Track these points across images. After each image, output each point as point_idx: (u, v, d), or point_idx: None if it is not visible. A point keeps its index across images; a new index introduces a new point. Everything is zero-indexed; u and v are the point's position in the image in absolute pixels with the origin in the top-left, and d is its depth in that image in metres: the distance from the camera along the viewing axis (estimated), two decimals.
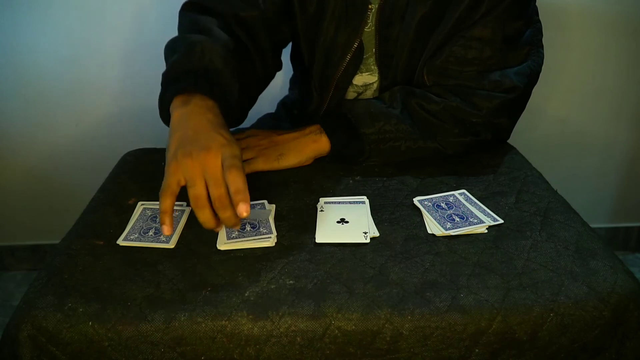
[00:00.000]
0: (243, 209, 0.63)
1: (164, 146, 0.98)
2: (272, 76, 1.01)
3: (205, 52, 0.78)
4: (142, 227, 0.74)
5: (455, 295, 0.62)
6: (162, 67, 1.41)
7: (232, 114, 0.78)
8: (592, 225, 0.76)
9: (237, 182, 0.64)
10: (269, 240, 0.71)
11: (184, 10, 0.92)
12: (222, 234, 0.73)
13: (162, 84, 0.79)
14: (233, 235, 0.72)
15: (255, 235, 0.72)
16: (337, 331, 0.60)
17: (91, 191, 0.86)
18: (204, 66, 0.77)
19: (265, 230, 0.72)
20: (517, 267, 0.66)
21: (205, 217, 0.65)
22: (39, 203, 1.55)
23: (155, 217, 0.76)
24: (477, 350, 0.60)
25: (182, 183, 0.66)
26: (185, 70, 0.76)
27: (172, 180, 0.66)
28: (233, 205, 0.64)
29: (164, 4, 1.32)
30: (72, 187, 1.51)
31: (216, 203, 0.64)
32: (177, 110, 0.73)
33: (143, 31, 1.34)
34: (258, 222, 0.74)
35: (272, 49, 0.95)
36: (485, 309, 0.61)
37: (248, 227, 0.73)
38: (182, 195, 0.82)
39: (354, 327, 0.60)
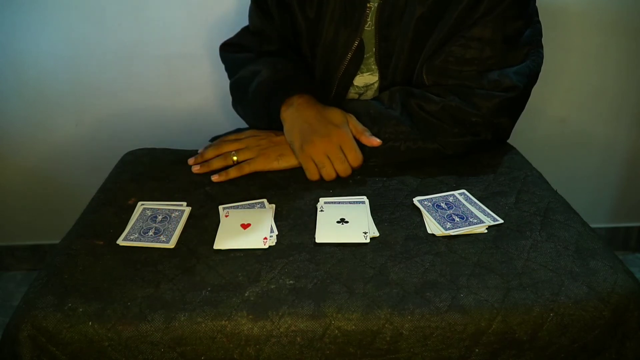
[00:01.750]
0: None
1: (163, 146, 0.99)
2: None
3: (275, 66, 0.95)
4: (142, 227, 0.74)
5: (455, 295, 0.62)
6: (162, 67, 1.42)
7: (317, 95, 0.94)
8: (592, 225, 0.76)
9: (357, 161, 0.86)
10: (269, 240, 0.71)
11: (224, 52, 1.08)
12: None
13: (260, 104, 0.94)
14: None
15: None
16: (337, 331, 0.60)
17: (91, 191, 0.86)
18: (283, 75, 0.94)
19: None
20: (517, 267, 0.66)
21: (333, 173, 0.86)
22: (39, 203, 1.55)
23: (156, 217, 0.76)
24: (477, 350, 0.60)
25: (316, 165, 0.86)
26: (273, 85, 0.93)
27: (310, 166, 0.86)
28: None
29: (163, 4, 1.32)
30: (72, 187, 1.51)
31: (341, 174, 0.86)
32: (286, 112, 0.90)
33: (143, 31, 1.34)
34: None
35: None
36: (485, 309, 0.61)
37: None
38: (182, 195, 0.83)
39: (354, 327, 0.60)
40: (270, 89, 0.93)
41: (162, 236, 0.72)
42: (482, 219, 0.75)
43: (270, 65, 0.96)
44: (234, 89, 1.03)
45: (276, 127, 0.92)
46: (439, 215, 0.75)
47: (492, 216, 0.76)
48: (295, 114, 0.89)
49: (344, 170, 0.85)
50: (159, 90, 1.41)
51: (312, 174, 0.86)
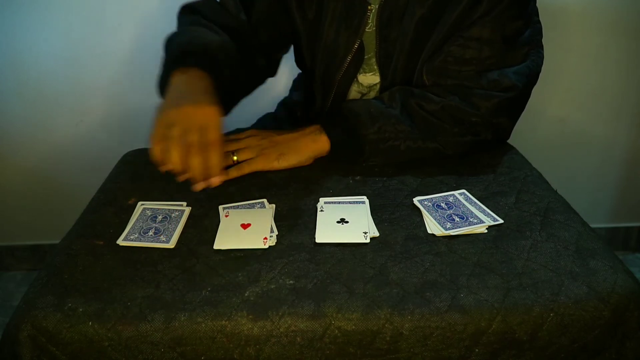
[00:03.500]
0: (216, 181, 0.71)
1: None
2: (262, 81, 1.03)
3: (205, 37, 0.86)
4: (142, 227, 0.74)
5: (455, 295, 0.62)
6: None
7: (219, 94, 0.80)
8: (592, 225, 0.76)
9: (214, 158, 0.70)
10: (269, 240, 0.71)
11: (182, 14, 0.99)
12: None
13: (165, 63, 0.85)
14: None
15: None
16: (337, 331, 0.60)
17: (91, 191, 0.86)
18: (203, 47, 0.84)
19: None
20: (517, 267, 0.66)
21: (175, 158, 0.69)
22: (39, 203, 1.55)
23: (156, 217, 0.76)
24: (477, 350, 0.60)
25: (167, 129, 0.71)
26: (186, 49, 0.83)
27: (159, 126, 0.71)
28: (203, 157, 0.70)
29: (163, 4, 1.32)
30: (72, 187, 1.51)
31: (189, 148, 0.69)
32: (175, 77, 0.80)
33: (143, 31, 1.34)
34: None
35: (257, 55, 0.96)
36: (485, 309, 0.61)
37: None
38: (182, 195, 0.83)
39: (354, 327, 0.60)
40: (180, 53, 0.84)
41: (162, 236, 0.72)
42: (482, 219, 0.75)
43: (200, 33, 0.88)
44: (166, 40, 0.92)
45: (162, 92, 0.83)
46: (439, 215, 0.75)
47: (492, 216, 0.76)
48: (182, 80, 0.80)
49: (191, 142, 0.69)
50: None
51: (155, 137, 0.71)
